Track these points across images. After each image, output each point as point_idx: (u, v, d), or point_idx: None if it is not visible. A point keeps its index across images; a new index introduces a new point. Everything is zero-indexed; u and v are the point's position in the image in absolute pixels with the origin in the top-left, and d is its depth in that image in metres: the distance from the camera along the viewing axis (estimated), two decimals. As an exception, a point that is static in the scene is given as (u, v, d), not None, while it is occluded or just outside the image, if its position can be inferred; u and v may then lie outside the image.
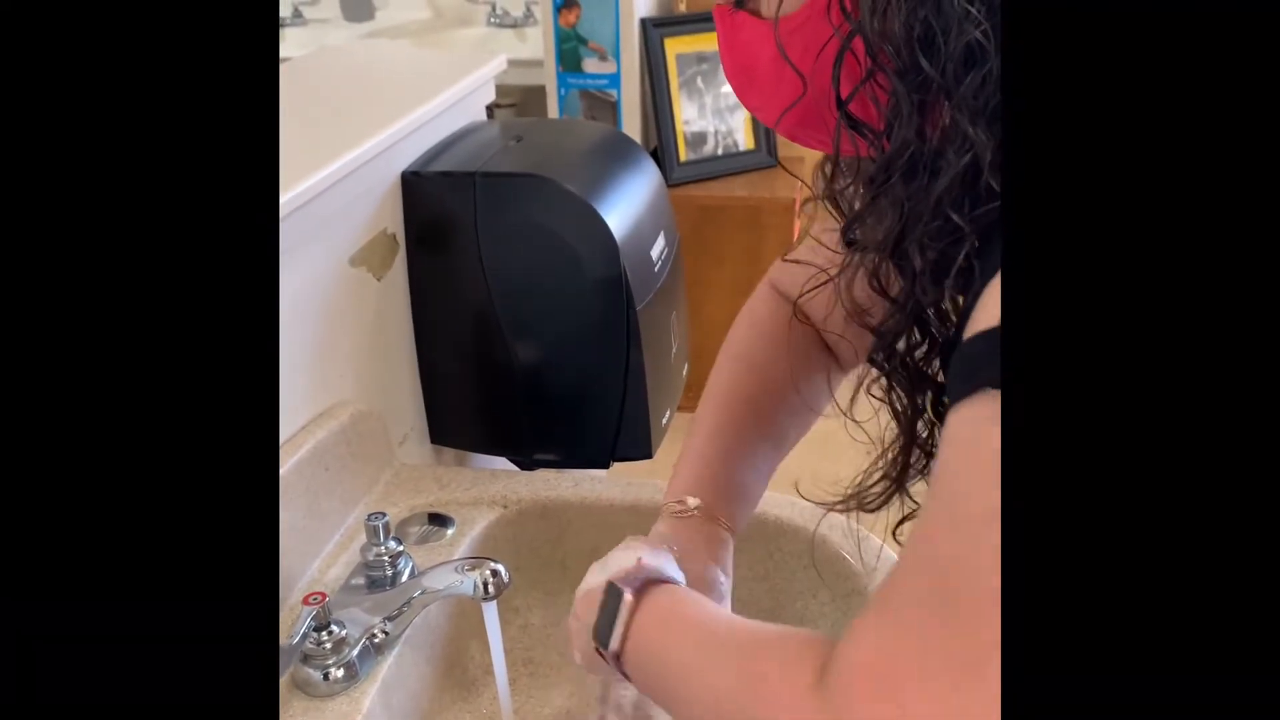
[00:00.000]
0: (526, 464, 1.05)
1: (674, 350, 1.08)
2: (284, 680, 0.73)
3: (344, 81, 1.14)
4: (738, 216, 2.11)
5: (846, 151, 0.49)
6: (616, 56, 2.06)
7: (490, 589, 0.74)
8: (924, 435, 0.54)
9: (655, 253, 1.02)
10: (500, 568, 0.75)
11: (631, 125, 2.11)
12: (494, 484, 0.97)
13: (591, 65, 2.09)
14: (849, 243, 0.51)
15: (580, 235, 0.93)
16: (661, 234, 1.04)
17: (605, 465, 1.03)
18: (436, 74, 1.10)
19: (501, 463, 1.09)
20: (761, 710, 0.46)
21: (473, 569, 0.75)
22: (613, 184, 0.98)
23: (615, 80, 2.09)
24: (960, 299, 0.48)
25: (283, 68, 1.18)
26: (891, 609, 0.42)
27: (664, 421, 1.06)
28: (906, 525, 0.58)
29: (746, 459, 0.69)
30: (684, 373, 1.13)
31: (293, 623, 0.72)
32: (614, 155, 1.04)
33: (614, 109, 2.11)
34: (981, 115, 0.43)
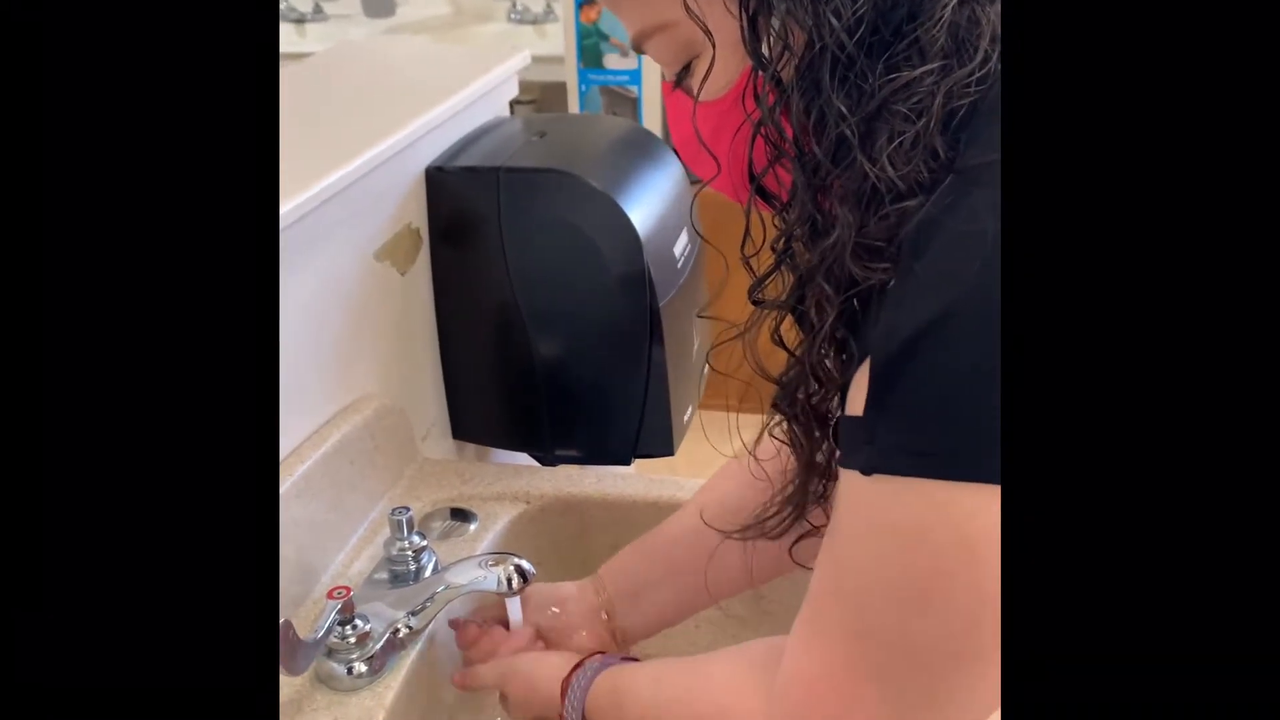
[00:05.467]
0: (548, 460, 1.05)
1: (695, 347, 1.08)
2: (308, 674, 0.73)
3: (367, 77, 1.15)
4: (759, 212, 2.10)
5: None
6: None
7: (514, 584, 0.74)
8: (822, 463, 0.58)
9: (678, 249, 1.01)
10: (524, 563, 0.75)
11: (653, 121, 2.10)
12: (516, 479, 0.97)
13: (613, 61, 2.08)
14: (755, 302, 0.56)
15: (603, 231, 0.93)
16: (684, 230, 1.04)
17: (627, 462, 1.03)
18: (460, 69, 1.10)
19: (523, 458, 1.09)
20: None
21: (496, 564, 0.75)
22: (636, 180, 0.98)
23: (636, 76, 2.09)
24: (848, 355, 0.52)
25: (305, 63, 1.19)
26: (818, 631, 0.51)
27: (685, 419, 1.06)
28: (802, 543, 0.62)
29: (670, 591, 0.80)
30: (704, 370, 1.13)
31: (317, 616, 0.73)
32: (638, 151, 1.04)
33: (635, 105, 2.11)
34: (849, 198, 0.47)
